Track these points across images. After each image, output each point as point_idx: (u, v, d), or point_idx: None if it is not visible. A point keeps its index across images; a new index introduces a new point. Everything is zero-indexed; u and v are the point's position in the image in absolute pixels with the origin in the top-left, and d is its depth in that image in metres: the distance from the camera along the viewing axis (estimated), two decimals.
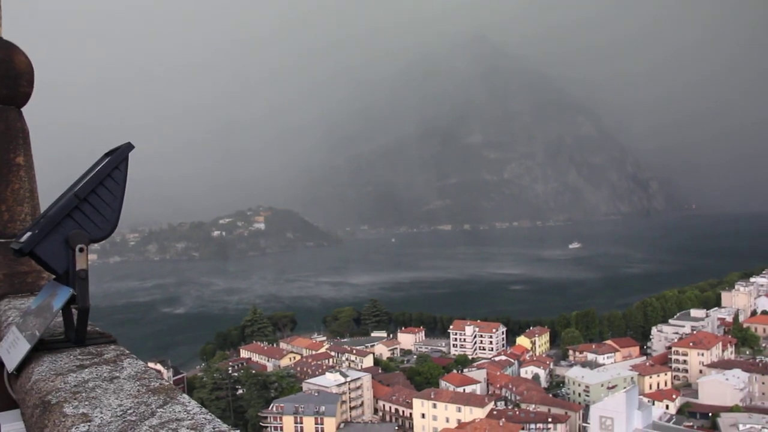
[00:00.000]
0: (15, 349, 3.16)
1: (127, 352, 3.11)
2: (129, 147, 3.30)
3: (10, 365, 3.10)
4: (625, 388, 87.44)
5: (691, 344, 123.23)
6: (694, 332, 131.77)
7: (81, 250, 3.09)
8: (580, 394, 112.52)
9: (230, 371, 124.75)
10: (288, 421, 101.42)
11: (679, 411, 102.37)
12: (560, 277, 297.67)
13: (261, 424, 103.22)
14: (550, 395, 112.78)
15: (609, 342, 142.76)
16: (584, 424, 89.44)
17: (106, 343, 3.33)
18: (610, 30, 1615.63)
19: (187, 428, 1.99)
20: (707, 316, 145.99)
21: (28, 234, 3.13)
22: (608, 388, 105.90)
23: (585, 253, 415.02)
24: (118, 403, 2.29)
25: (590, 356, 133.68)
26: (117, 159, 3.23)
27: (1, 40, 6.12)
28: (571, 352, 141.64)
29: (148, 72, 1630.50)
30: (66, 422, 2.12)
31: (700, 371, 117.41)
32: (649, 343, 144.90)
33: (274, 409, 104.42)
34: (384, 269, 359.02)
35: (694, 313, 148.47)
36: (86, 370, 2.77)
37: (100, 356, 3.02)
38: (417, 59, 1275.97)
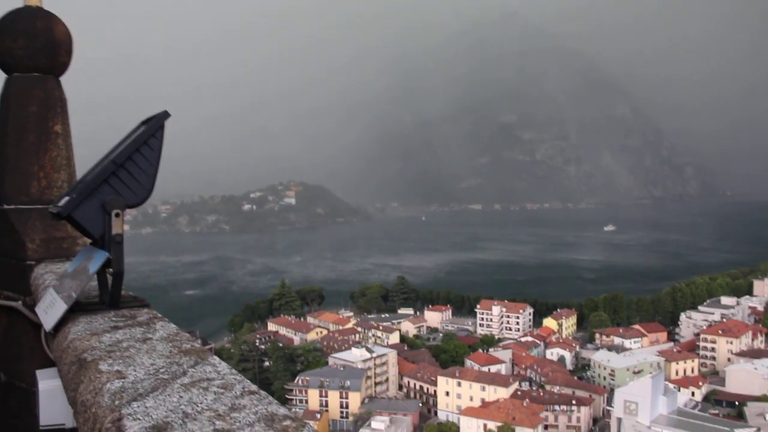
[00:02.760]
0: (52, 309, 3.27)
1: (160, 315, 3.20)
2: (165, 115, 3.35)
3: (48, 325, 3.21)
4: (651, 373, 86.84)
5: (720, 332, 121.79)
6: (724, 320, 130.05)
7: (117, 215, 3.16)
8: (605, 378, 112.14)
9: (257, 344, 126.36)
10: (313, 395, 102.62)
11: (705, 398, 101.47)
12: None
13: (287, 396, 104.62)
14: (575, 378, 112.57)
15: (636, 327, 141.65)
16: (608, 408, 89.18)
17: (139, 307, 3.42)
18: (644, 3, 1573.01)
19: (218, 387, 2.03)
20: (738, 304, 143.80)
21: (66, 198, 3.20)
22: (634, 372, 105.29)
23: (623, 236, 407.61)
24: (151, 362, 2.36)
25: (617, 340, 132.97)
26: (153, 127, 3.29)
27: (41, 10, 6.22)
28: (597, 335, 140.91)
29: (180, 47, 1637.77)
30: (101, 378, 2.19)
31: (729, 359, 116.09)
32: (677, 330, 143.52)
33: (300, 382, 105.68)
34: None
35: (725, 300, 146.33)
36: (120, 331, 2.86)
37: (134, 319, 3.11)
38: (450, 36, 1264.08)
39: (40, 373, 3.38)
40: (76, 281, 3.25)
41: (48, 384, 3.24)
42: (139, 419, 1.75)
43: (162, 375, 2.19)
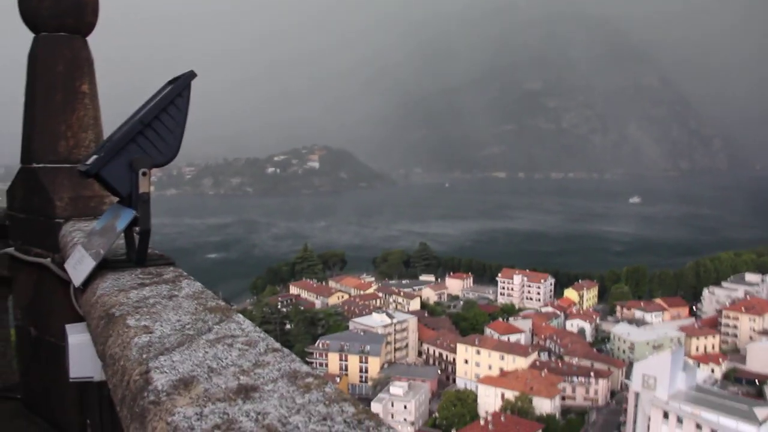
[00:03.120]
0: (81, 266, 3.34)
1: (186, 274, 3.26)
2: (192, 75, 3.37)
3: (77, 281, 3.28)
4: (671, 348, 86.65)
5: (743, 309, 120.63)
6: (748, 297, 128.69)
7: (144, 174, 3.21)
8: (624, 351, 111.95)
9: (279, 306, 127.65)
10: (333, 358, 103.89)
11: (725, 376, 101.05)
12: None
13: (307, 359, 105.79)
14: (594, 350, 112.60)
15: (658, 300, 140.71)
16: (626, 381, 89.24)
17: (165, 265, 3.50)
18: None
19: (242, 344, 2.08)
20: (763, 281, 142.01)
21: (94, 157, 3.25)
22: (654, 347, 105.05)
23: (648, 208, 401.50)
24: (177, 318, 2.43)
25: (638, 314, 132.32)
26: (180, 86, 3.32)
27: None
28: (618, 308, 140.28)
29: (205, 9, 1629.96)
30: (129, 332, 2.25)
31: (750, 337, 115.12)
32: (699, 305, 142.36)
33: (320, 345, 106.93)
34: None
35: (749, 277, 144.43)
36: (147, 288, 2.94)
37: (160, 276, 3.19)
38: (475, 1, 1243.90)
39: (69, 328, 3.47)
40: (103, 239, 3.31)
41: (77, 338, 3.32)
42: (165, 372, 1.81)
43: (188, 331, 2.25)
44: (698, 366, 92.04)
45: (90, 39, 6.55)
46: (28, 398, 6.64)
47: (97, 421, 4.19)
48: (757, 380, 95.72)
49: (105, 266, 3.35)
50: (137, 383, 1.81)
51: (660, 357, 77.49)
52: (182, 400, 1.58)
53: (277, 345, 2.08)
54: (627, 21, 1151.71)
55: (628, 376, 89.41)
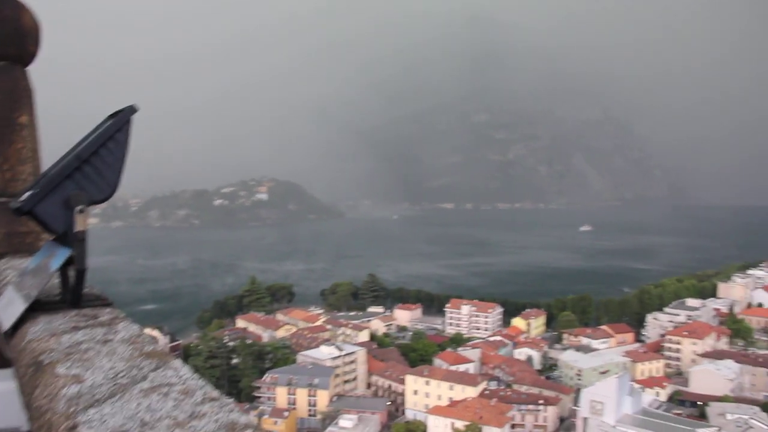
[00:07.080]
0: (11, 308, 3.15)
1: (123, 315, 3.10)
2: (133, 110, 3.25)
3: (5, 324, 3.09)
4: (617, 373, 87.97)
5: (685, 333, 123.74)
6: (689, 321, 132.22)
7: (81, 211, 3.06)
8: (572, 378, 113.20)
9: (226, 340, 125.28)
10: (281, 392, 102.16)
11: (670, 399, 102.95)
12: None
13: (254, 393, 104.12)
14: (543, 377, 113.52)
15: (604, 327, 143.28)
16: (575, 408, 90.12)
17: (102, 306, 3.32)
18: (623, 14, 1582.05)
19: (178, 393, 1.98)
20: (703, 306, 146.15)
21: (29, 193, 3.10)
22: (601, 373, 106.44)
23: (597, 237, 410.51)
24: (111, 365, 2.28)
25: (585, 341, 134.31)
26: (120, 121, 3.19)
27: None
28: (565, 335, 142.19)
29: (154, 35, 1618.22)
30: (58, 382, 2.11)
31: (693, 360, 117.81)
32: (644, 331, 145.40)
33: (268, 379, 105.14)
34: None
35: (690, 302, 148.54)
36: (80, 331, 2.77)
37: (95, 318, 3.01)
38: (423, 37, 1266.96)
39: None
40: (36, 279, 3.14)
41: (2, 386, 3.11)
42: (94, 427, 1.70)
43: (121, 379, 2.12)
44: (644, 390, 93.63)
45: (31, 69, 6.36)
46: None
47: None
48: (699, 402, 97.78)
49: (37, 308, 3.17)
50: None
51: (607, 383, 78.69)
52: None
53: (215, 393, 1.97)
54: (571, 58, 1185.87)
55: (576, 402, 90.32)
